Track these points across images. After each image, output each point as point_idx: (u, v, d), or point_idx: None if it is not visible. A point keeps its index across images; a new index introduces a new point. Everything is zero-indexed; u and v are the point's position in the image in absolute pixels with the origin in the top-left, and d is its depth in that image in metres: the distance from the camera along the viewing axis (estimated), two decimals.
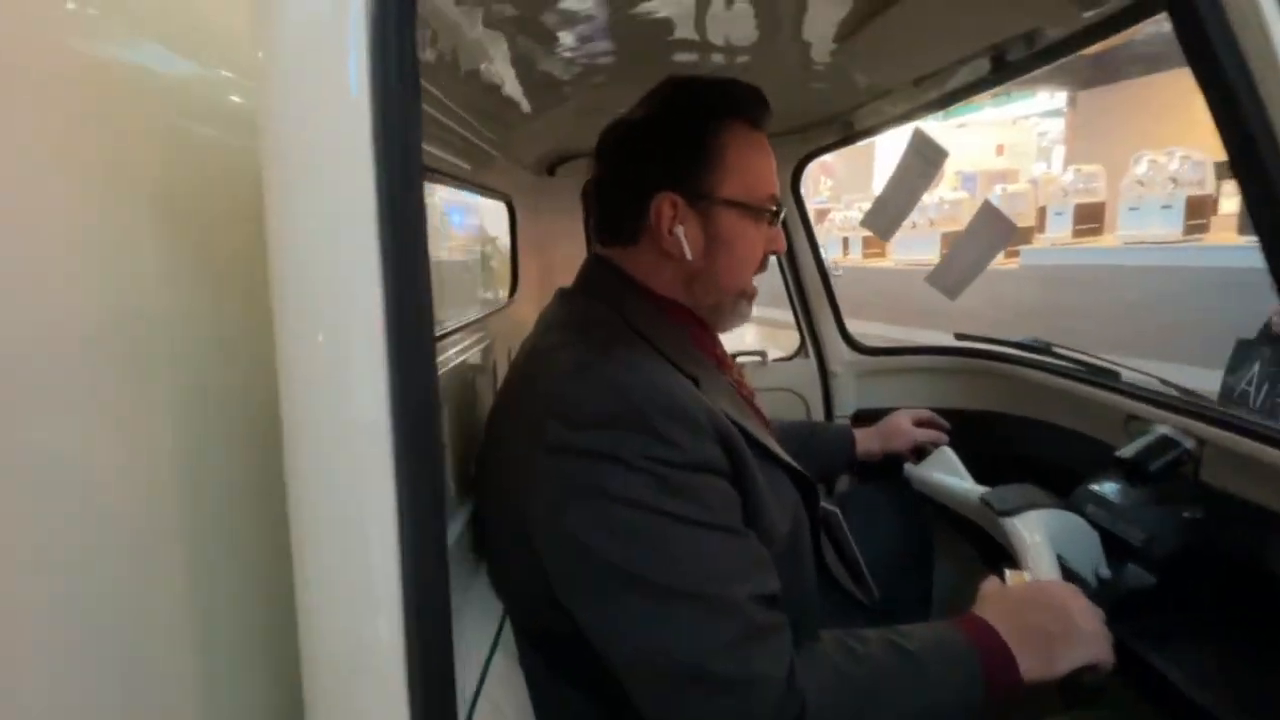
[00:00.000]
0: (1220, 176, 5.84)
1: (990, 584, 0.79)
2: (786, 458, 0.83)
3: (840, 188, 15.57)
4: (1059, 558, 0.94)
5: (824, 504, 1.09)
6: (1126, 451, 1.04)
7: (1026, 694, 0.69)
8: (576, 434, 0.66)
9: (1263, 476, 0.87)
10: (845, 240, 9.70)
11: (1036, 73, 0.91)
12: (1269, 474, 0.86)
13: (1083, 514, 1.02)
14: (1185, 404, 1.05)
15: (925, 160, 1.19)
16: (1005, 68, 0.88)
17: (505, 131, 1.16)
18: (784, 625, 0.65)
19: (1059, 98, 11.82)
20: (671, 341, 0.80)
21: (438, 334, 1.00)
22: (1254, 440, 0.87)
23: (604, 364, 0.71)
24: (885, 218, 1.40)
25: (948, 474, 1.26)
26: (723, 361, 0.94)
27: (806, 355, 1.78)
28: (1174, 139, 6.78)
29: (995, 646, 0.69)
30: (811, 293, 1.72)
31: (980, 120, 13.77)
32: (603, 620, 0.65)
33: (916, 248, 7.57)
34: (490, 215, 1.83)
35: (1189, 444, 1.00)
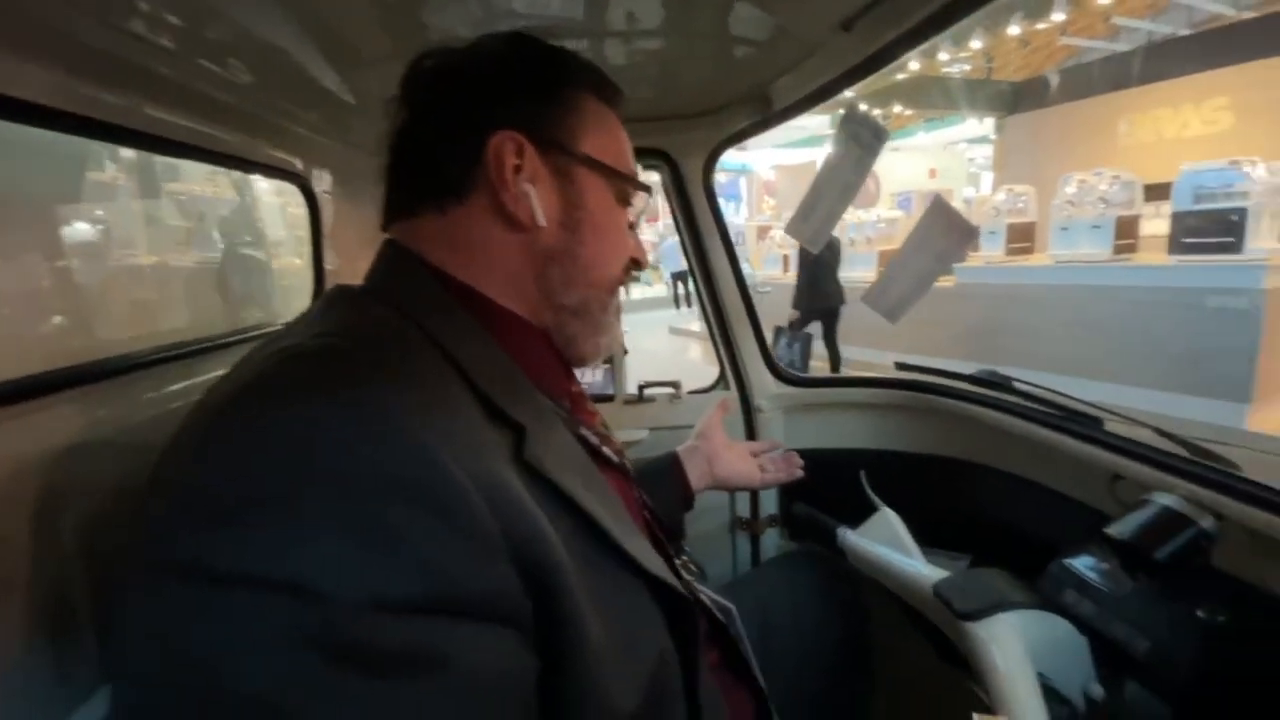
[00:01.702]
0: (1150, 198, 5.97)
1: None
2: (654, 568, 0.54)
3: (782, 205, 15.69)
4: (1039, 675, 0.71)
5: (706, 594, 0.81)
6: (1121, 530, 0.79)
7: None
8: (213, 536, 0.37)
9: None
10: (785, 257, 9.68)
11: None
12: None
13: (1062, 606, 0.79)
14: (1194, 467, 0.80)
15: (860, 145, 0.92)
16: None
17: (294, 95, 0.83)
18: None
19: (987, 124, 12.18)
20: (489, 365, 0.51)
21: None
22: None
23: (341, 398, 0.40)
24: (813, 222, 1.13)
25: (891, 545, 1.00)
26: (579, 405, 0.65)
27: (727, 387, 1.49)
28: (1099, 162, 6.99)
29: None
30: (731, 314, 1.43)
31: (913, 145, 14.12)
32: None
33: (857, 264, 7.57)
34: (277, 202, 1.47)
35: (1206, 523, 0.75)
